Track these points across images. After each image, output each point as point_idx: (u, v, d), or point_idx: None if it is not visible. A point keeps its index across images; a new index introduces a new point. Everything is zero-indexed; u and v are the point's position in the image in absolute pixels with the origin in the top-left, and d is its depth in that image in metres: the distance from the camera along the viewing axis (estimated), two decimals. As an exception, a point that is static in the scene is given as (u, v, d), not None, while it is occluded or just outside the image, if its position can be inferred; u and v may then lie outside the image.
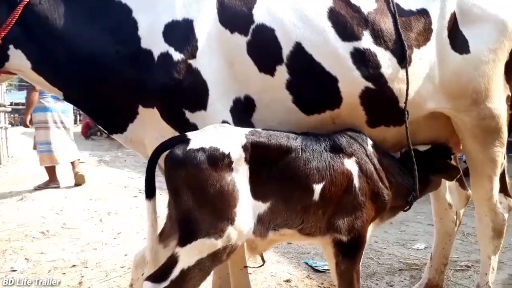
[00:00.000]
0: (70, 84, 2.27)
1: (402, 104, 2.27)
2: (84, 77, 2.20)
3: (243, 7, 2.19)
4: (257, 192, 1.89)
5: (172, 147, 1.86)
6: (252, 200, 1.87)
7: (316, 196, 1.96)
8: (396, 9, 2.28)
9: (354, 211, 2.04)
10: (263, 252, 2.22)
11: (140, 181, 7.87)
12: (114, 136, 2.41)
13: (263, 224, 1.93)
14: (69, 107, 7.08)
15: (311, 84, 2.20)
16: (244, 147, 1.88)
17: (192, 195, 1.79)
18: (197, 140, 1.86)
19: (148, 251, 1.92)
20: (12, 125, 11.51)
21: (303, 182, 1.95)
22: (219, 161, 1.81)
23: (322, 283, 3.51)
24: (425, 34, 2.31)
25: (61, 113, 6.87)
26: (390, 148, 2.44)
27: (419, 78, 2.29)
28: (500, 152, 2.50)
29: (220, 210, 1.80)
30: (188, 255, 1.79)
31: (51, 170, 7.01)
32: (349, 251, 2.07)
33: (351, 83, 2.20)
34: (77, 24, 2.16)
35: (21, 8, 2.10)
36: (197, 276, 1.82)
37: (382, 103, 2.27)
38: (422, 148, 2.43)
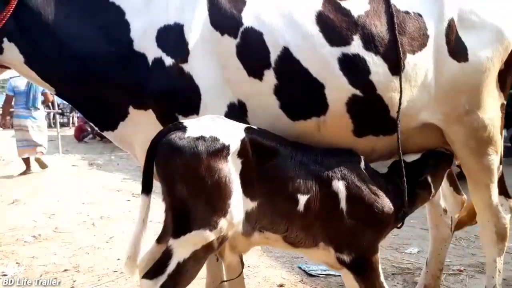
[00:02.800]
0: (61, 80, 2.27)
1: (393, 113, 2.20)
2: (75, 74, 2.21)
3: (233, 9, 2.17)
4: (247, 189, 1.88)
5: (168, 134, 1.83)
6: (242, 195, 1.87)
7: (301, 207, 1.95)
8: (394, 13, 2.19)
9: (348, 233, 2.03)
10: (243, 253, 2.19)
11: (133, 184, 7.83)
12: (104, 133, 2.41)
13: (250, 222, 1.93)
14: (40, 115, 8.87)
15: (298, 90, 2.16)
16: (243, 141, 1.87)
17: (187, 185, 1.76)
18: (195, 128, 1.83)
19: (131, 246, 1.87)
20: (3, 127, 11.46)
21: (288, 188, 1.94)
22: (218, 152, 1.79)
23: (316, 288, 3.52)
24: (421, 39, 2.23)
25: (32, 119, 8.61)
26: (379, 159, 2.41)
27: (413, 86, 2.21)
28: (495, 160, 2.47)
29: (215, 201, 1.78)
30: (183, 247, 1.78)
31: (26, 161, 8.70)
32: (360, 272, 2.07)
33: (338, 89, 2.15)
34: (70, 22, 2.17)
35: (16, 2, 2.10)
36: (193, 268, 1.82)
37: (370, 112, 2.20)
38: (411, 158, 2.34)
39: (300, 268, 3.91)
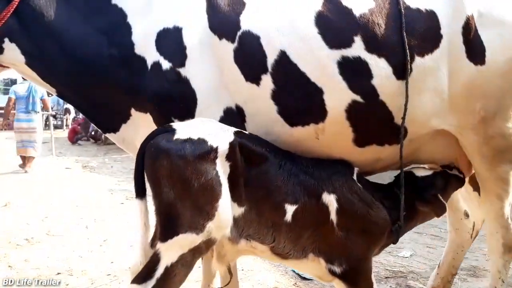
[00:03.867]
0: (63, 82, 2.28)
1: (398, 121, 2.07)
2: (77, 76, 2.21)
3: (232, 12, 2.13)
4: (234, 193, 1.86)
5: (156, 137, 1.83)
6: (230, 199, 1.85)
7: (288, 217, 1.93)
8: (403, 10, 2.03)
9: (340, 245, 2.02)
10: (231, 262, 2.18)
11: (127, 187, 7.79)
12: (107, 135, 2.41)
13: (237, 229, 1.92)
14: (38, 118, 9.50)
15: (295, 95, 2.09)
16: (231, 144, 1.85)
17: (174, 188, 1.75)
18: (184, 131, 1.83)
19: (141, 252, 1.88)
20: (5, 128, 11.65)
21: (275, 197, 1.93)
22: (206, 154, 1.78)
23: (309, 291, 3.53)
24: (433, 40, 2.06)
25: (31, 122, 9.26)
26: (387, 168, 2.33)
27: (422, 91, 2.06)
28: (511, 170, 2.31)
29: (202, 205, 1.77)
30: (170, 251, 1.77)
31: (23, 159, 9.31)
32: (352, 283, 2.07)
33: (337, 95, 2.05)
34: (72, 23, 2.17)
35: (17, 2, 2.10)
36: (181, 272, 1.81)
37: (372, 119, 2.09)
38: (421, 172, 2.26)
39: (293, 271, 3.92)
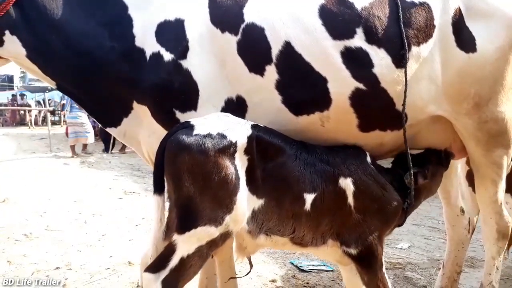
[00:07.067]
0: (64, 75, 2.27)
1: (399, 107, 2.15)
2: (78, 69, 2.20)
3: (235, 5, 2.16)
4: (253, 186, 1.89)
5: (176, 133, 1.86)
6: (248, 192, 1.88)
7: (308, 206, 1.97)
8: (400, 3, 2.14)
9: (356, 227, 2.07)
10: (252, 254, 2.21)
11: (125, 182, 7.81)
12: (108, 129, 2.40)
13: (257, 222, 1.94)
14: (82, 115, 11.28)
15: (300, 85, 2.14)
16: (249, 138, 1.88)
17: (194, 182, 1.78)
18: (203, 126, 1.86)
19: (152, 247, 1.89)
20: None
21: (294, 187, 1.96)
22: (225, 149, 1.81)
23: (308, 283, 3.54)
24: (426, 30, 2.16)
25: (72, 119, 11.50)
26: (390, 153, 2.38)
27: (419, 79, 2.16)
28: (505, 155, 2.38)
29: (221, 198, 1.80)
30: (187, 243, 1.80)
31: (72, 148, 11.39)
32: (364, 264, 2.12)
33: (340, 83, 2.12)
34: (74, 16, 2.16)
35: None
36: (196, 263, 1.84)
37: (375, 106, 2.16)
38: (414, 152, 2.33)
39: (292, 263, 3.94)
